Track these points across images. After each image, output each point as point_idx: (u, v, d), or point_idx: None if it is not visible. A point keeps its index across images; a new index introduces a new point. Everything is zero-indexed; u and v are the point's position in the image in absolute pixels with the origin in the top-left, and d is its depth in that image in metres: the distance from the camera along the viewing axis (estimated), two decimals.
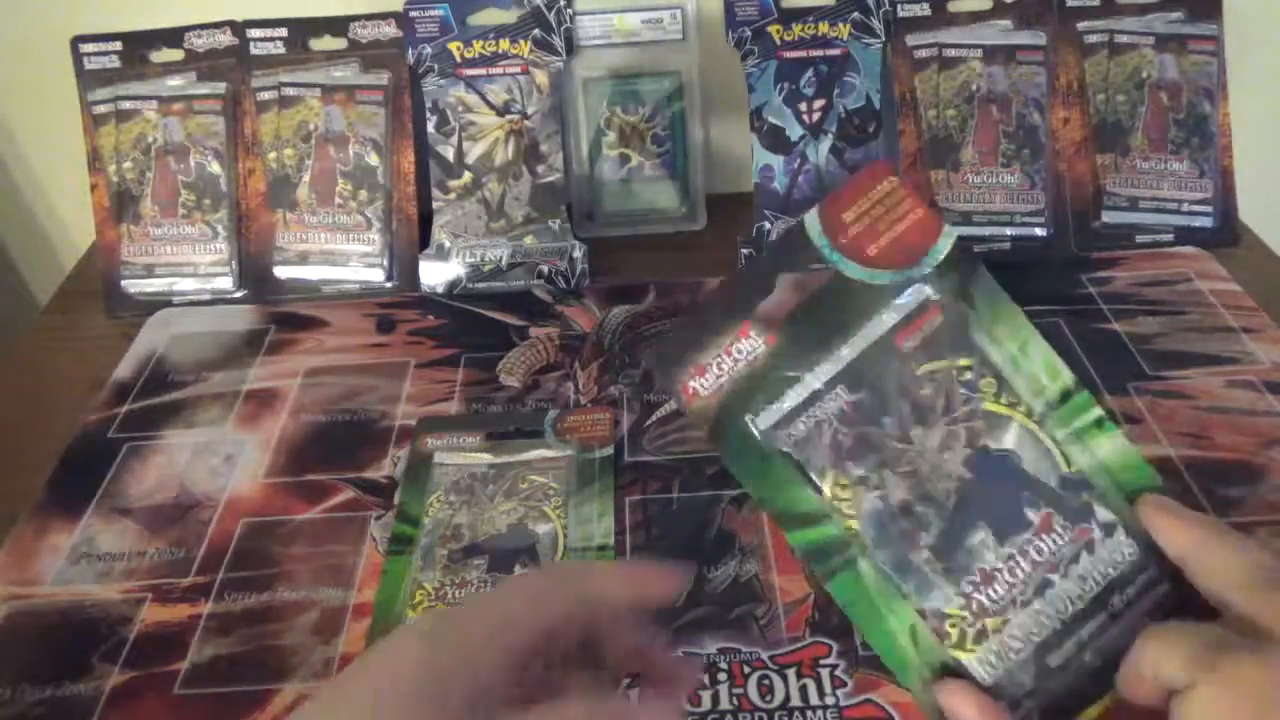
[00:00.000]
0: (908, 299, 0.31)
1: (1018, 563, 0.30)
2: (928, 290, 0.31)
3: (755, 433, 0.31)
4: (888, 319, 0.31)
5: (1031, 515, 0.30)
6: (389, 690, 0.26)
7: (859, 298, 0.31)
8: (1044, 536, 0.30)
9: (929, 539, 0.31)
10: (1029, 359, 0.31)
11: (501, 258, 0.69)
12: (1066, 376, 0.31)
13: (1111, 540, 0.30)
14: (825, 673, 0.42)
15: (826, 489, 0.31)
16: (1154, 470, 0.31)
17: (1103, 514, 0.30)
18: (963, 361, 0.31)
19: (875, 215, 0.31)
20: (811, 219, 0.31)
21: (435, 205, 0.71)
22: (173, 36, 0.70)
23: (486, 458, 0.53)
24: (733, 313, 0.31)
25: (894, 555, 0.31)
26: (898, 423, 0.31)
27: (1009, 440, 0.31)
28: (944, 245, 0.32)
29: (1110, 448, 0.31)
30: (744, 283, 0.32)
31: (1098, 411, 0.31)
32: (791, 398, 0.31)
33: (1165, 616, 0.30)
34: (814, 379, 0.31)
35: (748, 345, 0.31)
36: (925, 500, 0.31)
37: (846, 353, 0.31)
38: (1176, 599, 0.30)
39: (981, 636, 0.30)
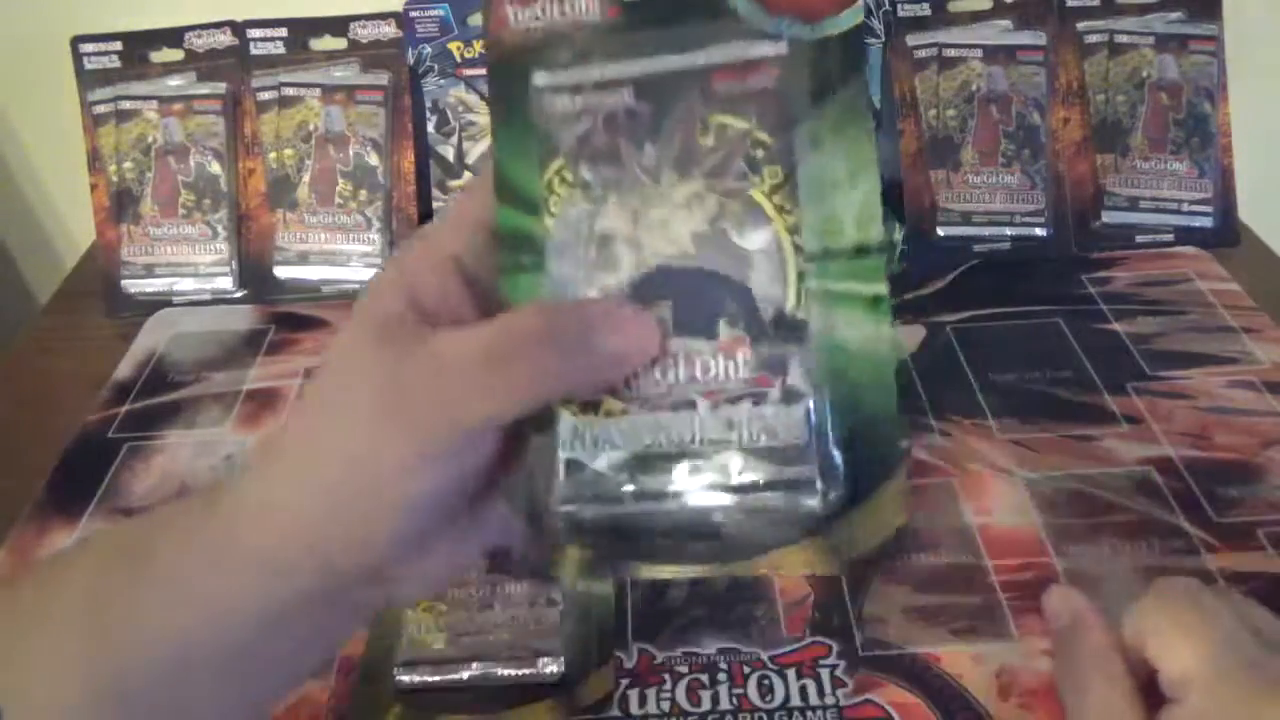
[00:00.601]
0: (758, 46, 0.26)
1: (676, 364, 0.25)
2: (783, 49, 0.26)
3: (531, 86, 0.27)
4: (723, 53, 0.26)
5: (722, 330, 0.25)
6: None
7: (720, 22, 0.26)
8: (719, 357, 0.25)
9: (609, 282, 0.26)
10: (846, 192, 0.26)
11: None
12: (876, 235, 0.26)
13: (786, 410, 0.25)
14: (825, 673, 0.42)
15: (547, 174, 0.27)
16: (893, 393, 0.25)
17: (796, 378, 0.25)
18: (761, 135, 0.26)
19: None
20: None
21: (435, 205, 0.71)
22: (173, 36, 0.70)
23: None
24: None
25: (566, 277, 0.26)
26: (656, 155, 0.26)
27: (753, 241, 0.25)
28: (847, 21, 0.26)
29: (860, 334, 0.25)
30: None
31: (879, 289, 0.25)
32: (580, 74, 0.27)
33: (805, 535, 0.25)
34: (613, 69, 0.26)
35: (585, 4, 0.27)
36: (630, 245, 0.26)
37: (661, 61, 0.26)
38: (817, 521, 0.25)
39: (592, 408, 0.26)
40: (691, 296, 0.25)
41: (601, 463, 0.25)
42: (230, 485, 0.28)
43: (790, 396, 0.25)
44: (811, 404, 0.25)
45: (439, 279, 0.27)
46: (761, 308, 0.25)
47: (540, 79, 0.27)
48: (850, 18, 0.25)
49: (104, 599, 0.27)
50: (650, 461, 0.25)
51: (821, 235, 0.26)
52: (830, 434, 0.25)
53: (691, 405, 0.25)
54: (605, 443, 0.25)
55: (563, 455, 0.26)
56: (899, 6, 0.70)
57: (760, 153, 0.25)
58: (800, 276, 0.25)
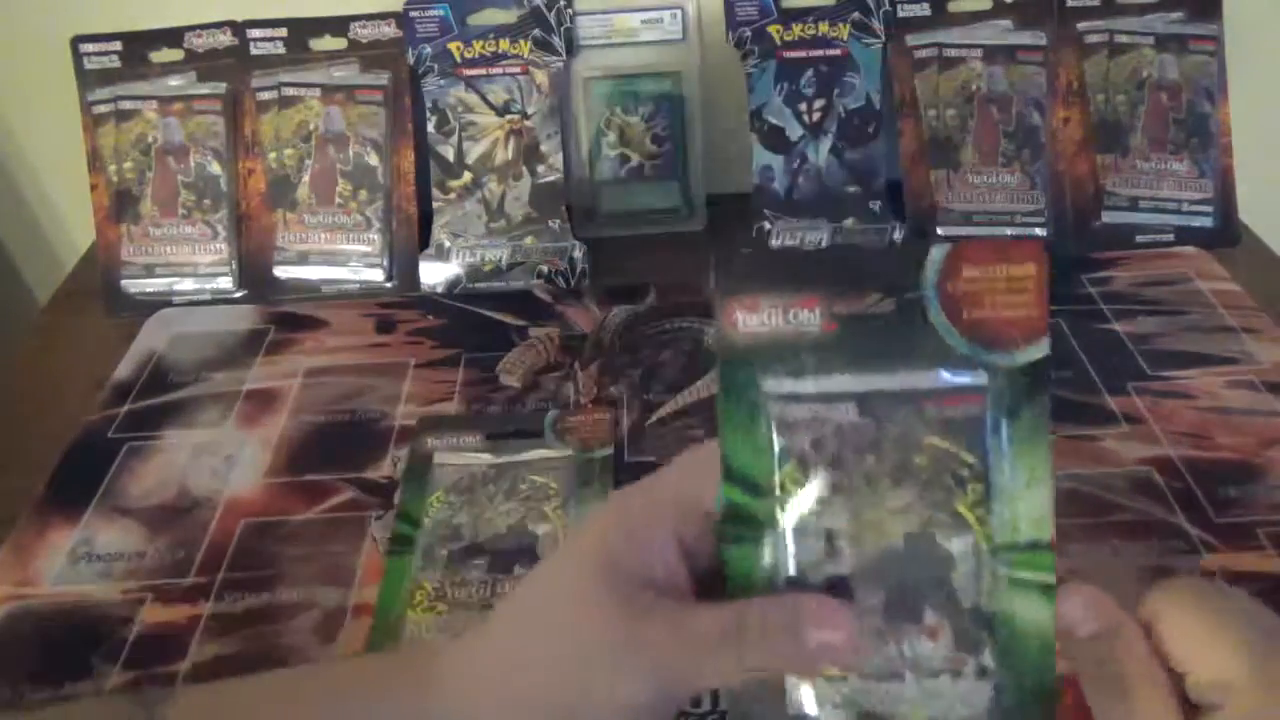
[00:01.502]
0: (963, 376, 0.30)
1: (889, 642, 0.30)
2: (984, 379, 0.31)
3: (761, 390, 0.31)
4: (933, 380, 0.31)
5: (929, 616, 0.30)
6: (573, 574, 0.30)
7: (926, 343, 0.30)
8: (925, 639, 0.30)
9: (832, 570, 0.30)
10: (1025, 498, 0.30)
11: (501, 258, 0.69)
12: (1046, 533, 0.30)
13: (977, 685, 0.30)
14: None
15: (781, 474, 0.31)
16: (1053, 664, 0.30)
17: (988, 660, 0.30)
18: (967, 457, 0.31)
19: (994, 287, 0.31)
20: (938, 253, 0.30)
21: (435, 205, 0.71)
22: (173, 36, 0.70)
23: (487, 458, 0.53)
24: (810, 280, 0.31)
25: (797, 565, 0.30)
26: (876, 466, 0.31)
27: (956, 545, 0.30)
28: (1035, 354, 0.31)
29: (1032, 615, 0.30)
30: (834, 259, 0.32)
31: (1048, 579, 0.30)
32: (810, 385, 0.31)
33: None
34: (838, 383, 0.31)
35: (806, 317, 0.30)
36: (851, 540, 0.30)
37: (879, 381, 0.31)
38: None
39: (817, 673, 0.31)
40: (902, 587, 0.30)
41: (828, 713, 0.30)
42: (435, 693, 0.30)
43: (981, 673, 0.30)
44: (996, 683, 0.30)
45: (661, 546, 0.30)
46: (960, 598, 0.30)
47: (770, 386, 0.31)
48: (1038, 350, 0.31)
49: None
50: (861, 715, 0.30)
51: (1004, 531, 0.30)
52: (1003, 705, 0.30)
53: (899, 678, 0.30)
54: (830, 700, 0.30)
55: (791, 712, 0.30)
56: (899, 6, 0.70)
57: (965, 471, 0.30)
58: (992, 573, 0.30)
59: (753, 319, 0.31)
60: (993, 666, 0.30)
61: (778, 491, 0.31)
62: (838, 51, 0.70)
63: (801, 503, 0.31)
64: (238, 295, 0.70)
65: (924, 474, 0.30)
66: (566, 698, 0.29)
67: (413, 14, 0.70)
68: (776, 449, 0.31)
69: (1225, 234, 0.70)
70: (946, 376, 0.30)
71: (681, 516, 0.31)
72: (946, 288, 0.30)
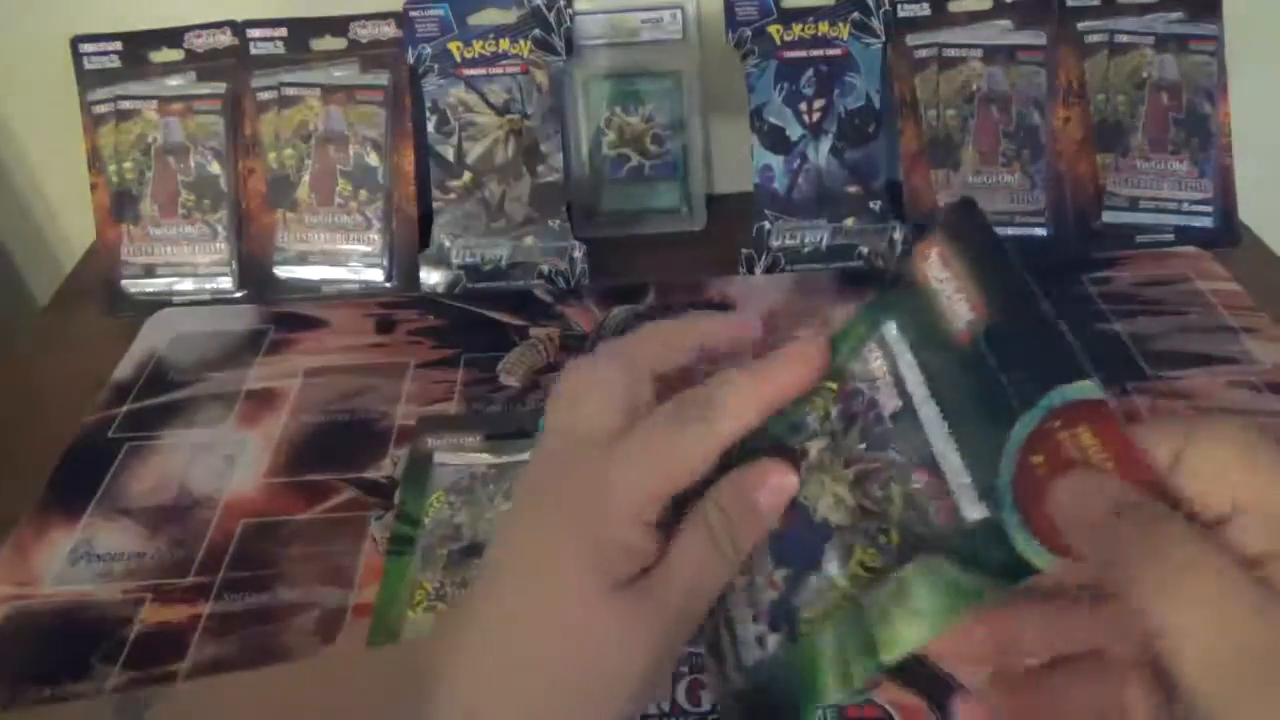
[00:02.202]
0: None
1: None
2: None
3: (880, 331, 0.31)
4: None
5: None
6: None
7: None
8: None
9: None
10: (902, 619, 0.28)
11: (501, 258, 0.69)
12: (885, 656, 0.28)
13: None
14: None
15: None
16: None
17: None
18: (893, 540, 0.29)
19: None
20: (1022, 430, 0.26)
21: (435, 205, 0.71)
22: (173, 36, 0.70)
23: (486, 458, 0.53)
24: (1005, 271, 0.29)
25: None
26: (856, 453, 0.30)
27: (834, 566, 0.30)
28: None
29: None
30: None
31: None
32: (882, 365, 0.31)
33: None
34: (907, 372, 0.30)
35: (963, 310, 0.28)
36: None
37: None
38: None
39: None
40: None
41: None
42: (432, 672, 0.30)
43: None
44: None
45: (635, 511, 0.30)
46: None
47: (886, 331, 0.31)
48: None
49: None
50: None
51: (870, 610, 0.29)
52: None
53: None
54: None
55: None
56: (899, 6, 0.70)
57: (888, 542, 0.29)
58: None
59: (936, 269, 0.29)
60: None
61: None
62: (838, 51, 0.70)
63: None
64: (238, 295, 0.70)
65: (874, 506, 0.29)
66: (573, 685, 0.29)
67: (413, 14, 0.70)
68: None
69: (1225, 234, 0.70)
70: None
71: (655, 502, 0.31)
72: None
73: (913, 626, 0.27)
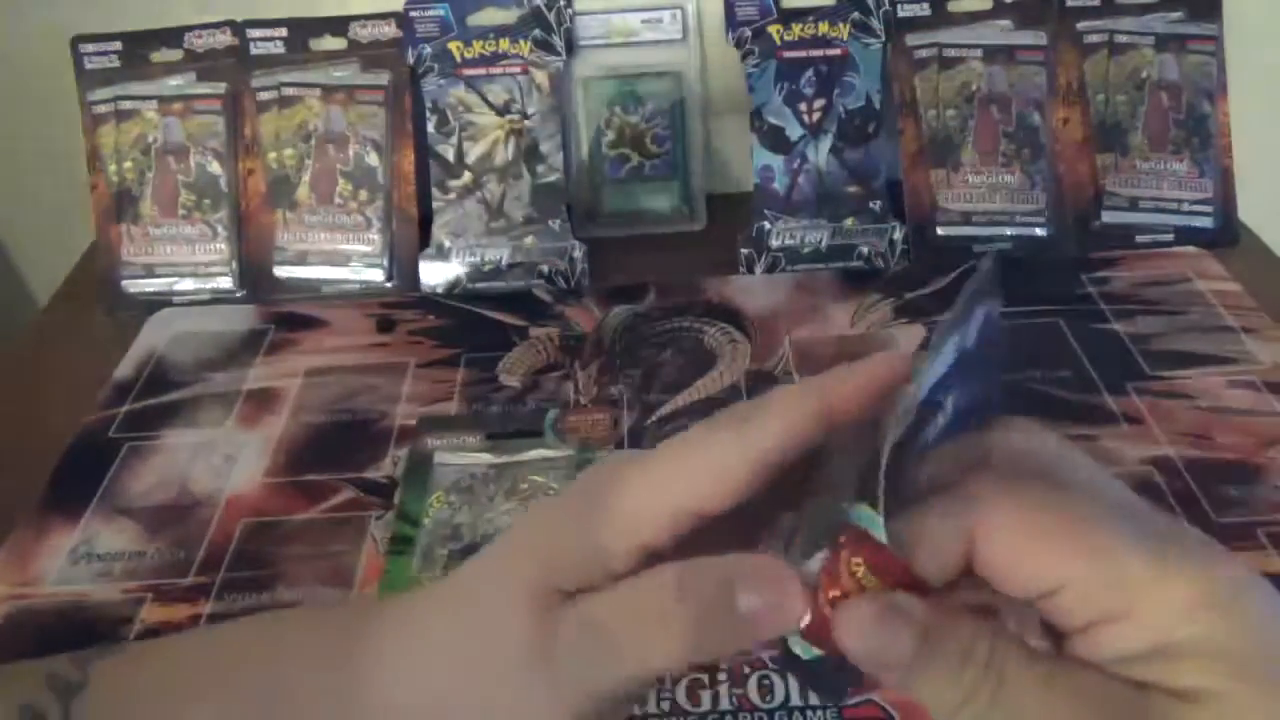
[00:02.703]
0: None
1: None
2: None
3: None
4: None
5: None
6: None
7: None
8: None
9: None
10: None
11: (501, 258, 0.69)
12: None
13: None
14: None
15: None
16: None
17: None
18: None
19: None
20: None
21: (435, 205, 0.71)
22: (173, 36, 0.70)
23: (487, 458, 0.53)
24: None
25: None
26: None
27: None
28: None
29: None
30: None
31: None
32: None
33: None
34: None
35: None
36: None
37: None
38: None
39: None
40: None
41: None
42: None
43: None
44: None
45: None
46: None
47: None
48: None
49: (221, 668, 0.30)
50: None
51: None
52: None
53: None
54: None
55: None
56: (899, 6, 0.70)
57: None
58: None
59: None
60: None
61: None
62: (838, 51, 0.70)
63: None
64: (238, 295, 0.70)
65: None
66: (479, 700, 0.27)
67: (413, 14, 0.70)
68: None
69: (1225, 234, 0.70)
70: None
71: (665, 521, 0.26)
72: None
73: None
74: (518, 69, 0.70)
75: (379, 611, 0.31)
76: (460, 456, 0.54)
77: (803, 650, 0.24)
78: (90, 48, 0.70)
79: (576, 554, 0.26)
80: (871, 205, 0.70)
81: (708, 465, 0.25)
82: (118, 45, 0.70)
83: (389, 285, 0.70)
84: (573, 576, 0.26)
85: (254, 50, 0.71)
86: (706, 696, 0.42)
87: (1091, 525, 0.23)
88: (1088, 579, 0.22)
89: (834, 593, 0.24)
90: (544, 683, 0.25)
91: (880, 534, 0.24)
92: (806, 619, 0.24)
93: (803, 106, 0.70)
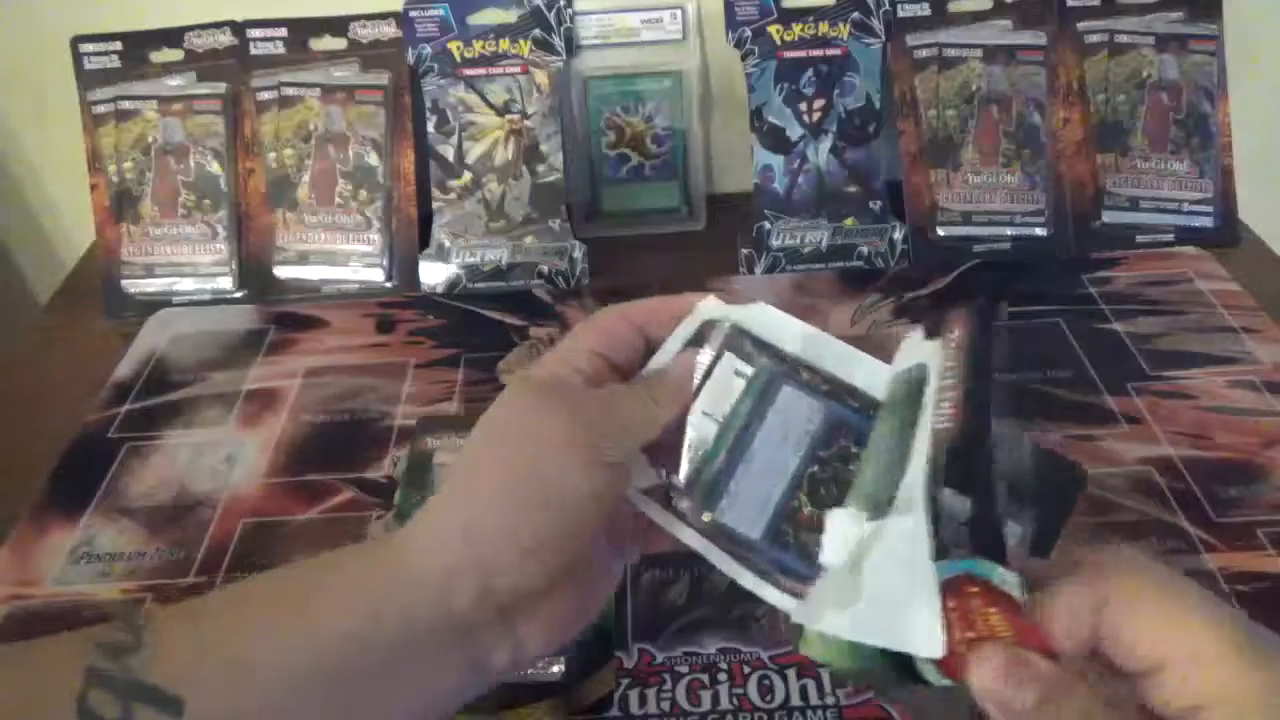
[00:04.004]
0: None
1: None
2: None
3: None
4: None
5: None
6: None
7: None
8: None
9: None
10: None
11: (501, 258, 0.69)
12: None
13: None
14: (825, 673, 0.42)
15: None
16: None
17: None
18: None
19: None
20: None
21: (435, 205, 0.71)
22: (173, 36, 0.71)
23: None
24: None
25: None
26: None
27: None
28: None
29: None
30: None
31: None
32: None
33: None
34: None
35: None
36: None
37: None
38: None
39: None
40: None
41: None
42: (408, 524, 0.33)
43: None
44: None
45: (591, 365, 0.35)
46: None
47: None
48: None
49: (290, 607, 0.31)
50: None
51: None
52: None
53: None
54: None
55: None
56: (899, 6, 0.70)
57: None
58: None
59: (950, 351, 0.32)
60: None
61: None
62: (838, 51, 0.70)
63: None
64: (238, 295, 0.70)
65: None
66: (534, 513, 0.31)
67: (413, 14, 0.70)
68: None
69: (1225, 234, 0.70)
70: None
71: (589, 360, 0.34)
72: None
73: (818, 645, 0.30)
74: (518, 69, 0.70)
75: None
76: None
77: (935, 678, 0.27)
78: (90, 48, 0.70)
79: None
80: (871, 205, 0.70)
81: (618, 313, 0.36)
82: (118, 45, 0.70)
83: (389, 285, 0.70)
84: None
85: (254, 50, 0.71)
86: (706, 697, 0.42)
87: (1204, 615, 0.26)
88: (1191, 662, 0.25)
89: (969, 634, 0.27)
90: (579, 434, 0.31)
91: (1017, 594, 0.27)
92: (942, 651, 0.27)
93: (803, 106, 0.70)
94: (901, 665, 0.28)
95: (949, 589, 0.27)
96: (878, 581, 0.29)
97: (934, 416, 0.31)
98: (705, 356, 0.36)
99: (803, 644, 0.30)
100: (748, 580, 0.34)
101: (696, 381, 0.36)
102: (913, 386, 0.33)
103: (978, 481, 0.30)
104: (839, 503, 0.34)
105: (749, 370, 0.36)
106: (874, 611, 0.29)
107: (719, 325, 0.37)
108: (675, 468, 0.35)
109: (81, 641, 0.29)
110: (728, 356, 0.36)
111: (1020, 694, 0.26)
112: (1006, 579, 0.28)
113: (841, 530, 0.32)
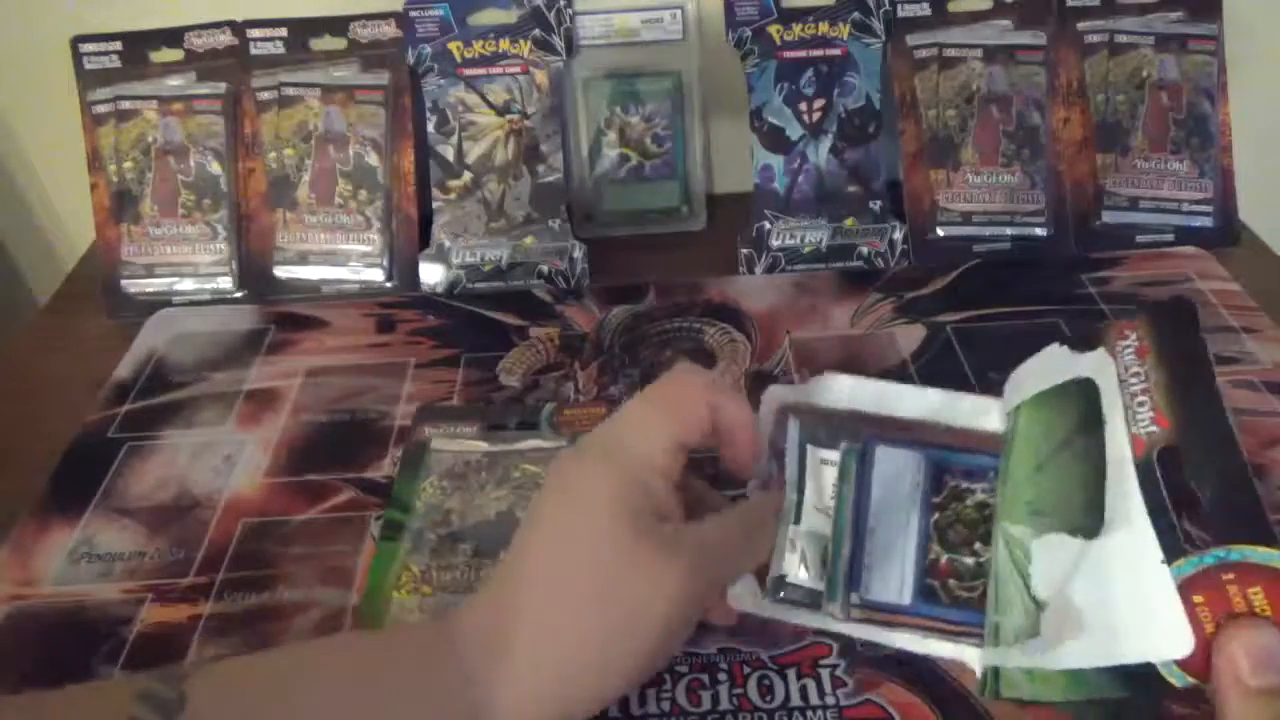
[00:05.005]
0: None
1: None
2: None
3: None
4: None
5: None
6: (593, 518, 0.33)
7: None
8: None
9: None
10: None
11: (501, 258, 0.69)
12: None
13: None
14: (825, 673, 0.42)
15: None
16: None
17: None
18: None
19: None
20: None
21: (435, 205, 0.71)
22: (173, 36, 0.71)
23: (483, 445, 0.54)
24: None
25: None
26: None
27: None
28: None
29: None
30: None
31: None
32: None
33: None
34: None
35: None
36: None
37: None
38: None
39: None
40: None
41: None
42: (480, 668, 0.33)
43: None
44: None
45: (662, 485, 0.36)
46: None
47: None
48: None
49: (346, 705, 0.31)
50: None
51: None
52: None
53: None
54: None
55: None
56: (899, 6, 0.70)
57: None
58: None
59: (1130, 358, 0.32)
60: None
61: None
62: (838, 51, 0.70)
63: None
64: (238, 295, 0.70)
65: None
66: (610, 628, 0.32)
67: (413, 14, 0.70)
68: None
69: (1225, 234, 0.70)
70: None
71: (671, 455, 0.35)
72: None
73: (1027, 683, 0.30)
74: (518, 69, 0.70)
75: (474, 617, 0.34)
76: (456, 444, 0.54)
77: (1178, 679, 0.27)
78: (90, 48, 0.70)
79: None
80: (871, 205, 0.70)
81: (691, 398, 0.37)
82: (118, 45, 0.70)
83: (389, 285, 0.70)
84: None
85: (254, 50, 0.71)
86: (706, 697, 0.42)
87: None
88: None
89: (1224, 618, 0.26)
90: (672, 581, 0.32)
91: None
92: (1188, 647, 0.26)
93: (803, 106, 0.70)
94: (1139, 678, 0.27)
95: (1196, 585, 0.27)
96: (1102, 601, 0.28)
97: (1131, 423, 0.31)
98: (791, 468, 0.37)
99: (1005, 687, 0.30)
100: (916, 645, 0.34)
101: (792, 498, 0.36)
102: (1072, 403, 0.32)
103: (1218, 466, 0.29)
104: (972, 540, 0.34)
105: (834, 455, 0.36)
106: (1105, 632, 0.28)
107: (790, 423, 0.38)
108: (806, 573, 0.36)
109: (124, 692, 0.30)
110: (810, 450, 0.37)
111: (1263, 674, 0.24)
112: (1273, 557, 0.27)
113: (1049, 559, 0.31)
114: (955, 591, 0.34)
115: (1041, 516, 0.32)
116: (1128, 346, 0.31)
